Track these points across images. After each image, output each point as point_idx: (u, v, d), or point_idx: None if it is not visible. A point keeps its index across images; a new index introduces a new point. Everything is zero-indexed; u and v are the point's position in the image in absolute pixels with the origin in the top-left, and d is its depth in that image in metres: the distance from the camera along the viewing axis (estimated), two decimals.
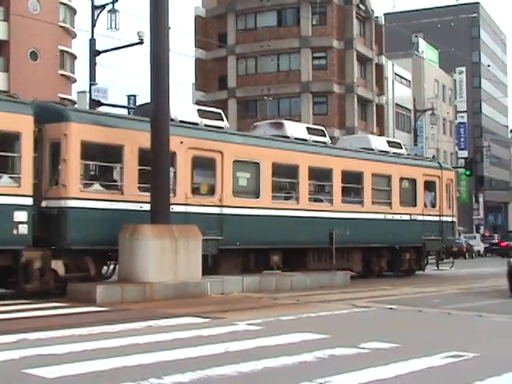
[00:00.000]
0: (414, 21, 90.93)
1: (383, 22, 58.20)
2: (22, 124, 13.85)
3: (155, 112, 15.26)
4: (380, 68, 56.25)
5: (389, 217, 23.02)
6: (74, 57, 54.54)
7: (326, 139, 21.84)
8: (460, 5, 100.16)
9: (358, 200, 22.16)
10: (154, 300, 13.70)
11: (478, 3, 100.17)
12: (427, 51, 75.22)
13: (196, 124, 17.70)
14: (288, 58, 51.77)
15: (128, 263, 14.65)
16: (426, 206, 24.75)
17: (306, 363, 7.36)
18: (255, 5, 51.98)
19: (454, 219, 26.62)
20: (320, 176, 21.22)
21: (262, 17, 52.28)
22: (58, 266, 14.54)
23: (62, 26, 51.60)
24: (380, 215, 22.70)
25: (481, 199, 76.54)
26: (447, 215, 25.68)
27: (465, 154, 74.39)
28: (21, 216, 13.64)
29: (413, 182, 24.36)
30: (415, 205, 24.28)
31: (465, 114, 79.45)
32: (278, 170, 19.49)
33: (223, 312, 11.87)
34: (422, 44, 74.60)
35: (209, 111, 18.53)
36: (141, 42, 26.01)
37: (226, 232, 17.59)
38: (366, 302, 14.03)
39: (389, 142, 25.05)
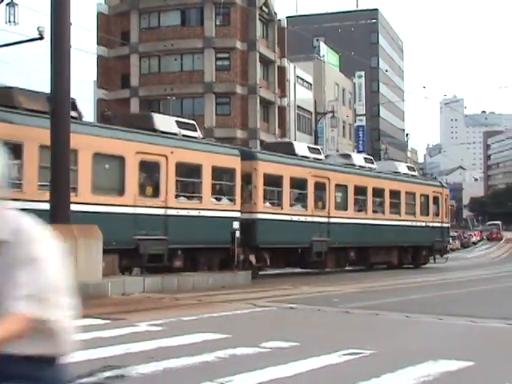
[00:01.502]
0: (316, 25, 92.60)
1: (286, 25, 58.91)
2: (235, 162, 20.76)
3: (55, 109, 14.90)
4: (282, 70, 56.90)
5: (414, 224, 30.12)
6: None
7: (374, 166, 28.92)
8: (360, 11, 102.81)
9: (396, 211, 29.05)
10: None
11: (376, 10, 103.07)
12: (328, 55, 76.69)
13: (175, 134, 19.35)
14: (191, 57, 51.61)
15: None
16: (433, 215, 32.11)
17: (207, 363, 7.37)
18: (159, 3, 51.54)
19: (449, 225, 34.68)
20: (377, 194, 27.86)
21: (165, 16, 51.90)
22: (252, 258, 21.42)
23: None
24: (409, 222, 29.65)
25: None
26: (446, 222, 33.35)
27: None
28: (235, 225, 20.22)
29: (426, 197, 31.73)
30: (428, 214, 31.63)
31: (364, 118, 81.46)
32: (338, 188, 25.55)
33: (124, 313, 11.72)
34: (323, 48, 75.97)
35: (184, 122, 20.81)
36: (41, 38, 25.30)
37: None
38: (267, 301, 14.16)
39: (408, 167, 33.14)
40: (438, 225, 32.19)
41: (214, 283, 17.65)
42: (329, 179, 24.54)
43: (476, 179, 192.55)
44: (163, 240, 17.92)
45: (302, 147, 24.80)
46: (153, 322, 10.56)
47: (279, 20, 57.50)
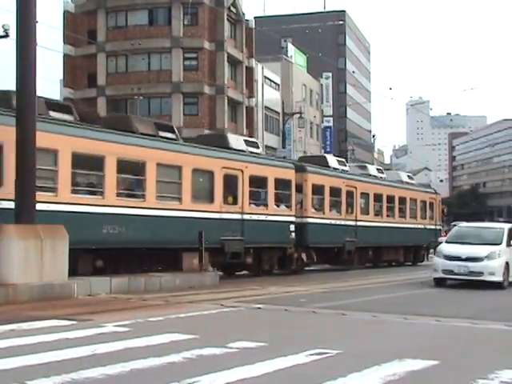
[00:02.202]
0: (284, 25, 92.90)
1: (253, 26, 59.00)
2: (291, 174, 24.53)
3: (21, 108, 14.72)
4: (250, 71, 56.97)
5: (416, 226, 34.42)
6: None
7: (384, 175, 33.48)
8: (327, 12, 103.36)
9: (403, 215, 33.25)
10: (18, 302, 13.21)
11: (344, 11, 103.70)
12: (296, 56, 76.96)
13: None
14: (159, 57, 51.44)
15: None
16: (429, 218, 36.46)
17: (174, 364, 7.36)
18: (126, 2, 51.28)
19: (441, 227, 39.05)
20: (390, 201, 32.06)
21: (133, 15, 51.65)
22: (303, 256, 25.28)
23: None
24: (412, 225, 34.01)
25: None
26: (439, 225, 38.07)
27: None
28: (292, 227, 23.95)
29: (424, 203, 35.93)
30: (425, 218, 35.85)
31: (331, 119, 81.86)
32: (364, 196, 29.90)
33: (90, 314, 11.64)
34: (291, 48, 76.22)
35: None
36: (6, 36, 25.03)
37: None
38: (234, 301, 14.17)
39: (408, 176, 37.20)
40: (433, 227, 36.83)
41: (181, 283, 17.61)
42: (356, 188, 29.00)
43: (441, 180, 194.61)
44: (241, 240, 21.59)
45: (333, 160, 29.23)
46: (120, 322, 10.50)
47: (247, 20, 57.59)
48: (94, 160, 17.11)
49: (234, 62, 54.31)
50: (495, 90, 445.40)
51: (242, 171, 22.02)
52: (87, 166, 17.31)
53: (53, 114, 16.66)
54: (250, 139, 25.96)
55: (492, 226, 23.29)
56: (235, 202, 21.66)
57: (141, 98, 49.90)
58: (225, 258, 21.23)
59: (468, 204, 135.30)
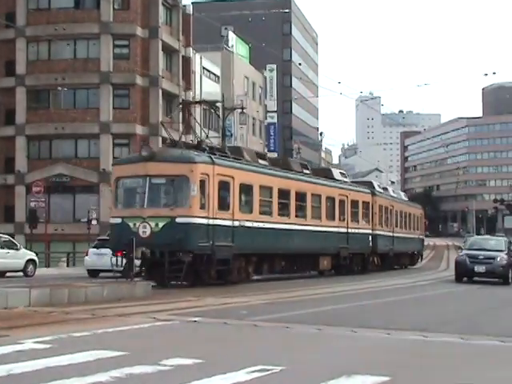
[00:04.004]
0: (224, 12, 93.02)
1: (191, 12, 58.89)
2: (369, 198, 36.71)
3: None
4: (187, 61, 56.84)
5: (413, 236, 47.54)
6: None
7: (391, 191, 45.92)
8: None
9: (407, 227, 45.78)
10: None
11: None
12: (237, 45, 77.09)
13: None
14: (86, 44, 50.84)
15: None
16: (419, 230, 50.37)
17: None
18: None
19: (424, 237, 53.54)
20: (400, 215, 44.26)
21: None
22: (376, 260, 38.24)
23: None
24: (409, 235, 45.90)
25: None
26: (423, 234, 52.43)
27: (275, 156, 77.02)
28: (370, 238, 36.43)
29: (416, 216, 49.46)
30: (417, 229, 49.53)
31: (275, 114, 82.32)
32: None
33: (6, 329, 11.41)
34: (232, 37, 76.32)
35: None
36: None
37: None
38: (168, 314, 14.09)
39: (404, 194, 52.87)
40: (420, 237, 50.49)
41: (109, 295, 17.42)
42: (393, 206, 42.07)
43: (393, 182, 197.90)
44: (347, 248, 33.45)
45: (337, 173, 36.02)
46: (40, 338, 10.33)
47: (184, 6, 57.52)
48: (267, 190, 26.99)
49: (169, 51, 54.07)
50: (450, 86, 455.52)
51: (347, 197, 34.10)
52: (267, 195, 26.98)
53: (260, 161, 27.96)
54: (342, 171, 38.50)
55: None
56: (343, 220, 33.70)
57: (65, 88, 49.22)
58: (338, 261, 33.03)
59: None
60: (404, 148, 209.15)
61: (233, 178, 24.14)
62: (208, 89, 64.25)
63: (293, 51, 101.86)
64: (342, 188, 33.97)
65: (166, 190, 23.59)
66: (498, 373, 8.71)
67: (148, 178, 22.61)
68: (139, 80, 50.33)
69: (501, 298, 23.14)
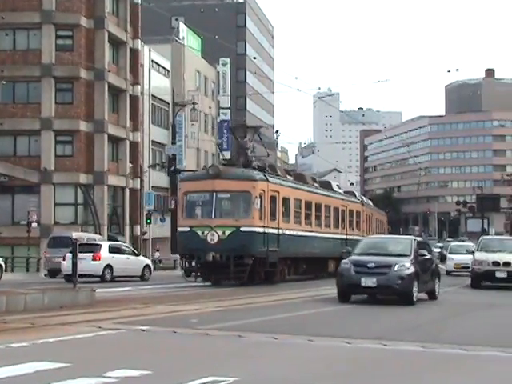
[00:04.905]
0: (175, 2, 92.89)
1: (139, 1, 58.61)
2: (360, 207, 44.52)
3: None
4: (135, 53, 56.56)
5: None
6: None
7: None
8: None
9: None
10: None
11: None
12: (188, 38, 76.95)
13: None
14: (26, 34, 50.28)
15: None
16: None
17: None
18: None
19: None
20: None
21: None
22: None
23: None
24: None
25: None
26: None
27: (228, 155, 76.98)
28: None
29: (383, 221, 55.52)
30: (384, 234, 50.70)
31: (228, 111, 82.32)
32: None
33: None
34: (183, 29, 76.12)
35: None
36: None
37: None
38: (114, 323, 14.01)
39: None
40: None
41: (50, 302, 17.24)
42: (372, 214, 49.31)
43: (352, 183, 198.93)
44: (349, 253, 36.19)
45: (334, 185, 42.34)
46: None
47: None
48: (298, 202, 33.28)
49: (116, 43, 53.74)
50: (412, 83, 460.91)
51: (346, 207, 40.86)
52: (298, 206, 33.27)
53: (288, 176, 34.62)
54: (337, 183, 46.07)
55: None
56: (344, 227, 39.83)
57: (3, 82, 48.58)
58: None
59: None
60: (363, 147, 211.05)
61: (278, 192, 30.56)
62: (157, 83, 64.06)
63: (247, 44, 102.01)
64: (343, 199, 41.27)
65: (230, 203, 29.47)
66: None
67: (215, 193, 28.32)
68: (83, 73, 49.90)
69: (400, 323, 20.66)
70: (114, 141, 53.06)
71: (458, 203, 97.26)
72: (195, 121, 68.45)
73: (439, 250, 51.05)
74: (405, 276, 19.64)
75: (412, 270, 19.90)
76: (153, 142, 62.95)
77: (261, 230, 28.55)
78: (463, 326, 15.82)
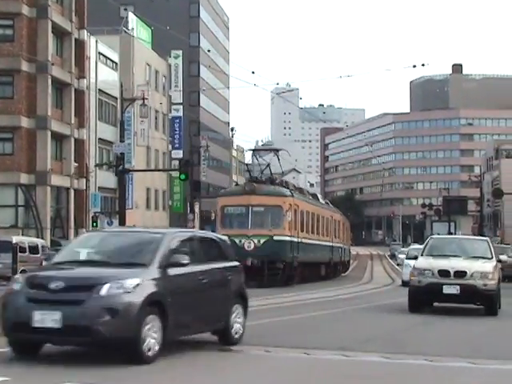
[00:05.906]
0: None
1: None
2: (341, 218, 57.99)
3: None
4: (81, 45, 56.13)
5: (346, 246, 59.92)
6: None
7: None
8: None
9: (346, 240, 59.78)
10: None
11: None
12: (138, 28, 76.63)
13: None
14: None
15: None
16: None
17: None
18: None
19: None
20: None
21: None
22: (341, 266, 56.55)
23: None
24: (345, 246, 58.20)
25: (196, 208, 79.66)
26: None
27: (180, 154, 76.83)
28: (340, 250, 54.25)
29: (347, 228, 61.71)
30: (347, 240, 62.50)
31: (180, 107, 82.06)
32: None
33: None
34: (133, 19, 75.75)
35: None
36: None
37: None
38: None
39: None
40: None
41: None
42: (344, 223, 58.14)
43: (312, 184, 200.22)
44: (332, 258, 47.83)
45: (320, 197, 52.19)
46: None
47: None
48: (309, 214, 42.15)
49: (60, 34, 53.32)
50: (375, 79, 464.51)
51: (332, 217, 50.02)
52: (309, 218, 41.99)
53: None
54: (319, 195, 56.37)
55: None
56: (328, 235, 47.60)
57: None
58: (328, 268, 47.36)
59: (343, 213, 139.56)
60: (324, 146, 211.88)
61: (298, 206, 38.89)
62: (104, 77, 63.68)
63: (201, 36, 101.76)
64: (331, 210, 51.46)
65: (264, 216, 36.62)
66: None
67: (250, 207, 36.17)
68: (25, 66, 49.43)
69: None
70: (58, 138, 52.60)
71: (423, 206, 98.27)
72: (145, 117, 68.14)
73: (403, 255, 47.68)
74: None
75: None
76: (100, 139, 62.51)
77: (289, 238, 36.51)
78: None
